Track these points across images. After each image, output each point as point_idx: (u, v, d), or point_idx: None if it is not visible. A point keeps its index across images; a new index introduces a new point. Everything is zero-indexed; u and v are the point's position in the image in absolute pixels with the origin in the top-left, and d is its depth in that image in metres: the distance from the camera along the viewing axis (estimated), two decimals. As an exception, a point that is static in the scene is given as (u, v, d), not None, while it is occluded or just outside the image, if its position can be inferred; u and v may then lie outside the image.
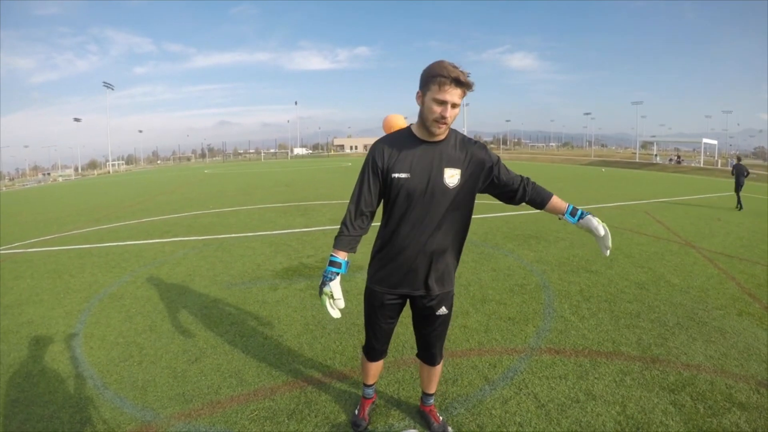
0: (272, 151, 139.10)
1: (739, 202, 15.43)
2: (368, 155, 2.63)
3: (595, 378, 3.86)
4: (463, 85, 2.33)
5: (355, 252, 2.68)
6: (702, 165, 50.92)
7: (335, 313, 2.60)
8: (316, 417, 3.40)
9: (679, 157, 61.45)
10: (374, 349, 3.07)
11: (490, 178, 2.68)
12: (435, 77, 2.32)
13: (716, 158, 57.00)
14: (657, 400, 3.54)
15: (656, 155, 66.29)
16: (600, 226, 2.63)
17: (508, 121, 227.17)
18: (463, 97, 2.39)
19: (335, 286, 2.57)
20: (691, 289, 6.19)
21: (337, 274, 2.60)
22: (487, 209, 13.02)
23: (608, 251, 2.66)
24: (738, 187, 16.00)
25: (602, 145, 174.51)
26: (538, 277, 6.70)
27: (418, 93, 2.47)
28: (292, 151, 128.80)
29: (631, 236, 9.85)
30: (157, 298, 6.10)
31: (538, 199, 2.77)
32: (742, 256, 8.11)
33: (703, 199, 18.19)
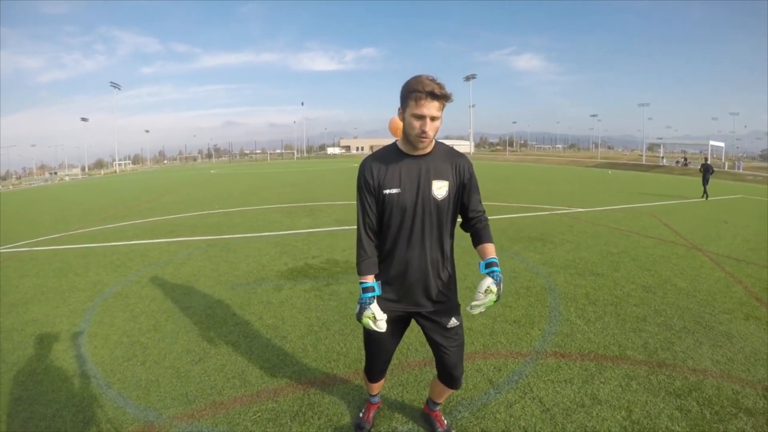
0: (278, 151, 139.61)
1: (705, 193, 19.88)
2: (359, 176, 2.64)
3: (601, 382, 3.84)
4: (439, 97, 2.33)
5: (378, 272, 2.66)
6: (709, 168, 50.65)
7: (381, 326, 2.53)
8: (319, 419, 3.38)
9: (686, 159, 61.20)
10: (375, 369, 3.05)
11: (462, 195, 2.66)
12: (411, 93, 2.33)
13: (723, 160, 56.77)
14: (663, 405, 3.51)
15: (663, 157, 66.05)
16: (480, 294, 2.40)
17: (514, 122, 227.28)
18: (441, 109, 2.39)
19: (376, 309, 2.51)
20: (698, 292, 6.15)
21: (374, 297, 2.55)
22: (493, 212, 12.99)
23: (469, 309, 2.42)
24: (705, 181, 20.58)
25: (609, 147, 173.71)
26: (543, 280, 6.67)
27: (399, 110, 2.48)
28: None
29: (637, 239, 9.81)
30: (162, 297, 6.11)
31: (479, 237, 2.69)
32: (749, 259, 8.05)
33: (710, 201, 18.11)
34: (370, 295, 2.54)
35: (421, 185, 2.52)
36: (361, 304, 2.53)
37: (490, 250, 2.61)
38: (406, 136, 2.49)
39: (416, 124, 2.36)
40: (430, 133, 2.39)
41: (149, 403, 3.61)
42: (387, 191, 2.53)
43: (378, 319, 2.50)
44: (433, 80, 2.32)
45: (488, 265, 2.53)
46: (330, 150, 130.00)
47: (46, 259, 8.63)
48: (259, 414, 3.45)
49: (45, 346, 4.67)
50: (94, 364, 4.27)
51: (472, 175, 2.65)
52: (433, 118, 2.36)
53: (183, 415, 3.46)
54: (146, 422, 3.38)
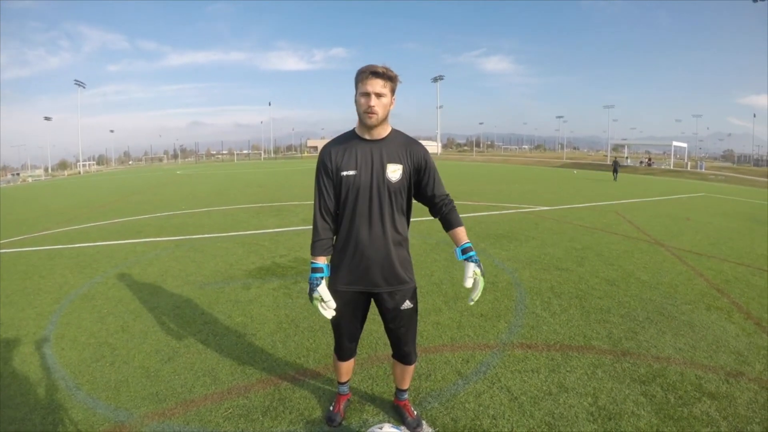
0: (245, 152, 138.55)
1: (615, 176, 33.13)
2: (318, 160, 2.79)
3: (567, 371, 3.93)
4: (381, 75, 2.50)
5: (330, 254, 2.79)
6: (672, 167, 51.89)
7: (329, 313, 2.69)
8: (290, 414, 3.40)
9: (650, 159, 62.53)
10: (343, 348, 3.13)
11: (422, 180, 2.82)
12: (358, 75, 2.57)
13: (686, 161, 58.12)
14: (628, 391, 3.61)
15: (627, 158, 67.31)
16: (470, 279, 2.64)
17: (481, 123, 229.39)
18: (386, 87, 2.56)
19: (323, 290, 2.66)
20: (661, 285, 6.31)
21: (322, 278, 2.70)
22: (460, 210, 13.08)
23: (471, 302, 2.68)
24: (615, 171, 33.68)
25: (574, 148, 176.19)
26: (509, 275, 6.77)
27: (354, 98, 2.64)
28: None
29: (601, 235, 10.01)
30: (129, 298, 6.03)
31: (448, 222, 2.90)
32: (710, 253, 8.29)
33: (673, 199, 18.56)
34: (318, 275, 2.69)
35: (375, 168, 2.66)
36: (310, 283, 2.68)
37: (462, 234, 2.82)
38: (359, 118, 2.65)
39: (363, 101, 2.54)
40: (377, 109, 2.55)
41: (119, 403, 3.57)
42: (344, 173, 2.67)
43: (326, 300, 2.65)
44: (378, 65, 2.52)
45: (464, 251, 2.73)
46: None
47: (10, 261, 8.42)
48: (230, 410, 3.44)
49: (11, 350, 4.57)
50: (62, 366, 4.20)
51: (428, 161, 2.80)
52: (378, 95, 2.53)
53: (154, 414, 3.44)
54: (117, 422, 3.34)
